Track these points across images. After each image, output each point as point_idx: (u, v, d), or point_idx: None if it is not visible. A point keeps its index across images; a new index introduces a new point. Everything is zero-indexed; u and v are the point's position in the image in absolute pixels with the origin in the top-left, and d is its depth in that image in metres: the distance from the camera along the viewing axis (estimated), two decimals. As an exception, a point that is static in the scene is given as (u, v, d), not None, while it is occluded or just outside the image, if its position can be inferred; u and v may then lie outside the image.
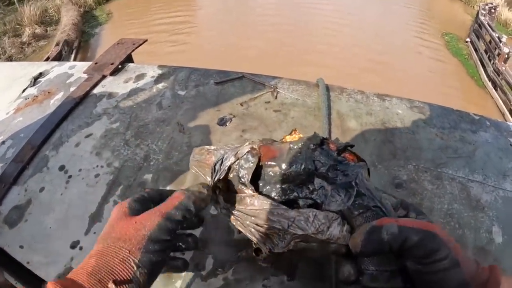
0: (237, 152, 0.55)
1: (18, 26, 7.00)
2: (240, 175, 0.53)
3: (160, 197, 0.48)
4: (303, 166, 0.49)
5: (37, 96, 1.09)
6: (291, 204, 0.50)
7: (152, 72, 1.13)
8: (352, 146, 0.54)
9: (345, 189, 0.48)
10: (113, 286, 0.34)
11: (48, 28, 7.29)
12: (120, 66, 1.16)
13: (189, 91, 1.04)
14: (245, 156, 0.53)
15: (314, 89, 1.03)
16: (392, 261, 0.42)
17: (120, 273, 0.36)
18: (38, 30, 7.02)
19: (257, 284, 0.61)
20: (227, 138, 0.88)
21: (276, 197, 0.50)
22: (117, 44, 1.28)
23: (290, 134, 0.61)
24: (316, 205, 0.49)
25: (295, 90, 1.03)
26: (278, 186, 0.51)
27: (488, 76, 6.02)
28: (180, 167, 0.81)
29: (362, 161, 0.54)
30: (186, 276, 0.63)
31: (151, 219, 0.41)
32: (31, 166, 0.85)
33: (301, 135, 0.58)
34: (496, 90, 5.73)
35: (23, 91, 1.12)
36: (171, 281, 0.62)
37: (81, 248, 0.69)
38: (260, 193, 0.51)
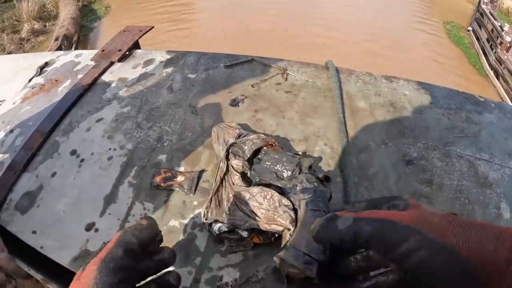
0: (257, 135, 0.72)
1: (16, 23, 6.95)
2: (245, 147, 0.71)
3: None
4: (290, 172, 0.65)
5: (44, 85, 1.08)
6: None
7: (161, 57, 1.12)
8: (328, 180, 0.73)
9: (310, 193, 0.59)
10: None
11: (46, 24, 7.24)
12: (127, 53, 1.15)
13: (199, 74, 1.04)
14: (256, 138, 0.71)
15: (323, 71, 1.03)
16: (322, 252, 0.46)
17: None
18: (37, 26, 6.97)
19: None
20: (239, 118, 0.88)
21: (265, 178, 0.66)
22: (124, 31, 1.28)
23: None
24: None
25: (304, 72, 1.02)
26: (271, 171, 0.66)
27: (490, 65, 5.99)
28: (194, 147, 0.82)
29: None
30: (205, 252, 0.63)
31: (90, 269, 0.37)
32: (41, 152, 0.85)
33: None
34: (498, 79, 5.71)
35: (29, 80, 1.11)
36: (191, 258, 0.63)
37: (96, 230, 0.68)
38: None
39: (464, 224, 0.31)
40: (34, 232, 0.70)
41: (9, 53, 5.91)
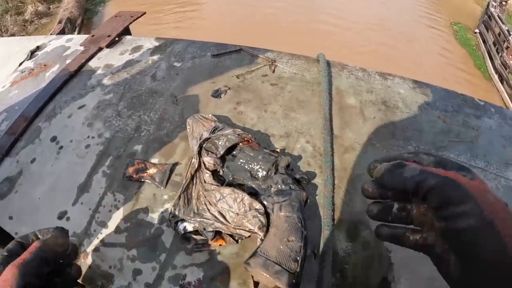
0: (234, 130, 0.70)
1: (20, 4, 6.88)
2: (219, 143, 0.68)
3: (22, 249, 0.46)
4: (265, 172, 0.63)
5: (33, 69, 1.07)
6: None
7: (149, 44, 1.10)
8: (306, 181, 0.67)
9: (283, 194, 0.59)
10: None
11: (50, 6, 7.16)
12: (117, 39, 1.13)
13: (184, 63, 1.01)
14: (231, 134, 0.68)
15: (314, 64, 0.99)
16: (293, 260, 0.49)
17: None
18: (41, 8, 6.90)
19: (243, 260, 0.60)
20: (220, 110, 0.86)
21: (237, 177, 0.65)
22: (115, 16, 1.25)
23: None
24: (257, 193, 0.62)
25: (294, 65, 0.99)
26: (245, 170, 0.65)
27: (495, 68, 5.91)
28: (170, 139, 0.80)
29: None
30: (170, 249, 0.62)
31: (8, 274, 0.40)
32: (23, 137, 0.84)
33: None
34: (502, 83, 5.62)
35: (20, 64, 1.10)
36: (155, 254, 0.61)
37: (68, 219, 0.68)
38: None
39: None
40: (10, 218, 0.70)
41: (12, 35, 5.88)
